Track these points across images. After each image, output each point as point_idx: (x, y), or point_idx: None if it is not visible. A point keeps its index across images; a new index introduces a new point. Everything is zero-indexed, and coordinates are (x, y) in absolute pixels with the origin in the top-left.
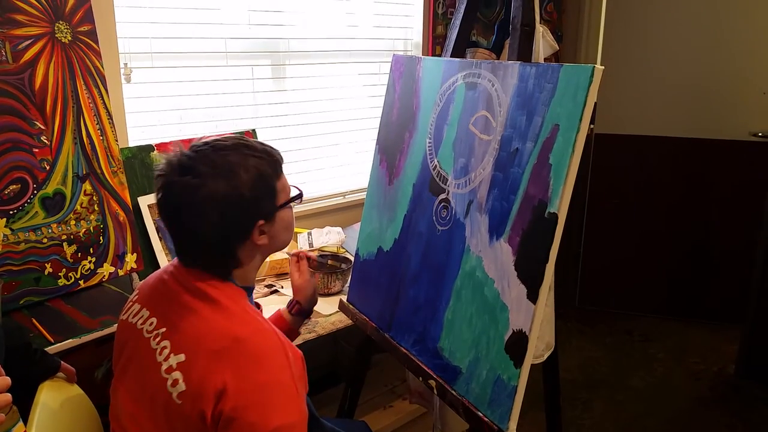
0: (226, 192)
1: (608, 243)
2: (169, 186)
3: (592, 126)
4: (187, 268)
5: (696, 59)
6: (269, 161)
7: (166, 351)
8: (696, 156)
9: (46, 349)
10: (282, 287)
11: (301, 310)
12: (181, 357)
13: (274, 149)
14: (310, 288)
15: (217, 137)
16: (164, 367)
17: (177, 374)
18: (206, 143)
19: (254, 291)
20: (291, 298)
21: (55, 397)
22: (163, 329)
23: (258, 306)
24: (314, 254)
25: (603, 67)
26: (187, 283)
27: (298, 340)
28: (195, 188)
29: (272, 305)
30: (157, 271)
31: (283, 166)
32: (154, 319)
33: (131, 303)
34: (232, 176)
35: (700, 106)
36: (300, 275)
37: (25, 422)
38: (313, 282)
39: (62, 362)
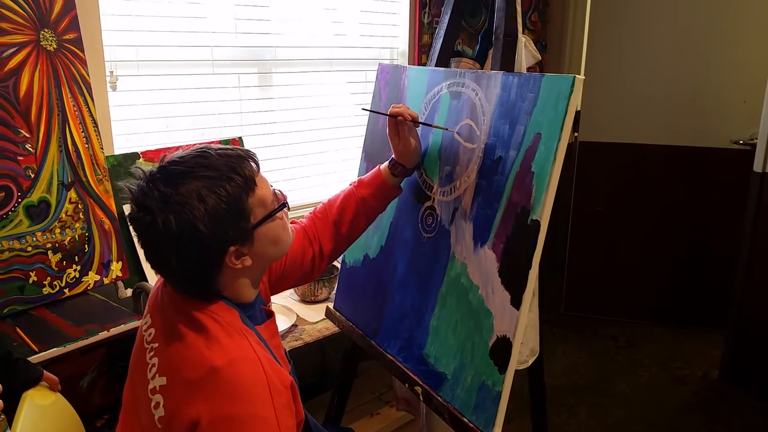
0: (179, 228)
1: (593, 250)
2: (129, 221)
3: (576, 134)
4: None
5: (678, 69)
6: (235, 180)
7: (154, 369)
8: (678, 163)
9: (30, 358)
10: None
11: (405, 172)
12: (163, 380)
13: (246, 158)
14: (414, 150)
15: (180, 155)
16: (150, 386)
17: (159, 397)
18: (162, 168)
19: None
20: (392, 159)
21: (39, 407)
22: (156, 344)
23: (270, 315)
24: (414, 114)
25: (583, 77)
26: (176, 302)
27: (285, 347)
28: (147, 227)
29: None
30: (160, 278)
31: (262, 172)
32: (152, 330)
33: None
34: (183, 210)
35: (682, 114)
36: (401, 140)
37: None
38: (416, 144)
39: (45, 371)
